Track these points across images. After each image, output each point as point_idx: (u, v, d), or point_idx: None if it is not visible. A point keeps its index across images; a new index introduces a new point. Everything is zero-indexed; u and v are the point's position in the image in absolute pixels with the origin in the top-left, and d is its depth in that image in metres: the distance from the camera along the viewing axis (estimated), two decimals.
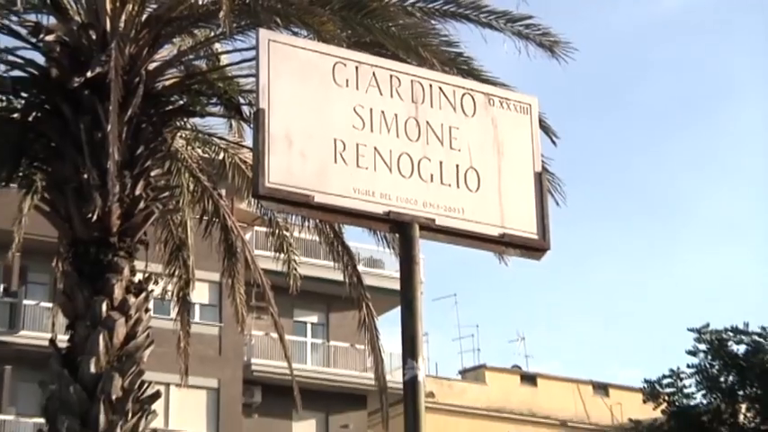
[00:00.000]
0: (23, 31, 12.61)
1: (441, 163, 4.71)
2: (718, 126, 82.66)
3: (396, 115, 4.69)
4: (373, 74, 4.74)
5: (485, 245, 4.89)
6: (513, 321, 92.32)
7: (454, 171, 4.72)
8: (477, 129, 4.83)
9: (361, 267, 15.39)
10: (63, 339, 12.23)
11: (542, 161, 5.02)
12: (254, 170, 4.44)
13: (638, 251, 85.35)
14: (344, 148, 4.53)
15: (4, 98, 12.89)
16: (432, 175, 4.67)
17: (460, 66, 11.66)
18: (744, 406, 25.54)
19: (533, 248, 4.83)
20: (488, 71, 11.98)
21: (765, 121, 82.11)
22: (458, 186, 4.71)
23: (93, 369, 11.65)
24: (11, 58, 12.49)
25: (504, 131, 4.88)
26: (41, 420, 12.38)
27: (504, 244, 4.80)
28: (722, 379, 25.52)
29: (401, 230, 4.62)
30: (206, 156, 14.68)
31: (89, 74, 11.77)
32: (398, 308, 4.89)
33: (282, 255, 15.55)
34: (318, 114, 4.55)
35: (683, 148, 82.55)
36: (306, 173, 4.43)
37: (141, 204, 12.44)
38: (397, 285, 4.90)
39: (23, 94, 12.91)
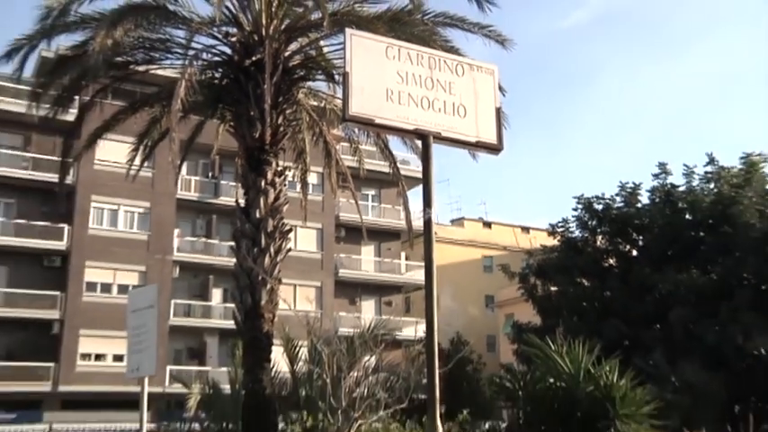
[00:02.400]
0: (219, 36, 12.41)
1: (444, 102, 4.59)
2: (595, 86, 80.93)
3: (420, 76, 4.56)
4: (408, 53, 4.60)
5: (467, 146, 4.80)
6: (479, 193, 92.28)
7: (452, 107, 4.60)
8: (464, 83, 4.69)
9: (399, 165, 15.26)
10: (242, 201, 12.33)
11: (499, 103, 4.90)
12: (343, 106, 4.36)
13: (549, 152, 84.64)
14: (392, 94, 4.43)
15: (210, 72, 12.75)
16: (440, 109, 4.55)
17: (453, 52, 11.30)
18: (599, 237, 25.60)
19: (494, 149, 4.73)
20: (469, 55, 11.65)
21: (622, 87, 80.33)
22: (453, 115, 4.60)
23: (258, 215, 11.78)
24: (213, 50, 12.32)
25: (479, 85, 4.74)
26: (232, 243, 12.58)
27: (478, 146, 4.71)
28: (589, 223, 25.49)
29: (422, 139, 4.53)
30: (315, 103, 14.49)
31: (253, 59, 11.64)
32: (418, 187, 4.85)
33: (356, 157, 15.47)
34: (378, 75, 4.43)
35: (574, 99, 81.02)
36: (371, 107, 4.34)
37: (281, 129, 12.35)
38: (418, 175, 4.88)
39: (219, 70, 12.76)
